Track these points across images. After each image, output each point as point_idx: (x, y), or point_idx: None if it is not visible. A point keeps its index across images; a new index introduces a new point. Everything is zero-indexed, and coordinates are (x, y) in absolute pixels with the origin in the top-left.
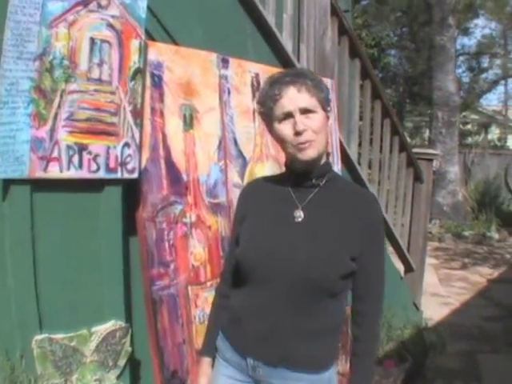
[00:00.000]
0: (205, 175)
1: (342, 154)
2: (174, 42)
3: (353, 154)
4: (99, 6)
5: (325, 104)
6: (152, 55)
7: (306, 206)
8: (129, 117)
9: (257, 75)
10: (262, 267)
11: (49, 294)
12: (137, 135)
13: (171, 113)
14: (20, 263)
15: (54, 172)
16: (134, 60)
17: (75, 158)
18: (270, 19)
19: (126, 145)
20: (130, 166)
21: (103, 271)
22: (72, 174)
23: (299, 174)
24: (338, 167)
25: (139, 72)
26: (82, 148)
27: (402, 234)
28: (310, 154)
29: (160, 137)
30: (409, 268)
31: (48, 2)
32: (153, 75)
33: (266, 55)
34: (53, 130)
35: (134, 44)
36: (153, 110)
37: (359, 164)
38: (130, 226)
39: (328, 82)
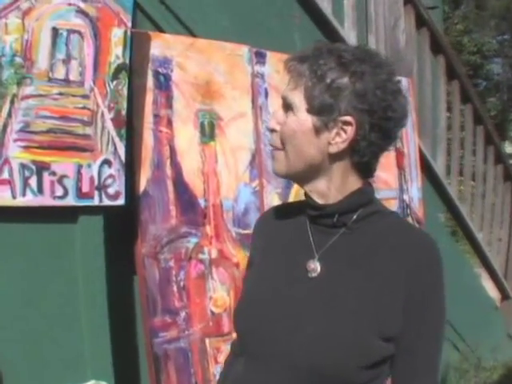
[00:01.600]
0: (231, 199)
1: (424, 168)
2: (191, 34)
3: (439, 167)
4: None
5: (323, 109)
6: (156, 49)
7: (325, 255)
8: (109, 126)
9: None
10: (255, 340)
11: (8, 350)
12: (121, 150)
13: (183, 121)
14: None
15: (3, 198)
16: (115, 54)
17: (33, 181)
18: (325, 6)
19: (106, 163)
20: (111, 190)
21: (82, 320)
22: (28, 200)
23: (313, 207)
24: (417, 185)
25: (124, 69)
26: (41, 168)
27: (498, 250)
28: (274, 167)
29: (167, 151)
30: (505, 295)
31: None
32: (157, 74)
33: None
34: (1, 146)
35: (116, 34)
36: (156, 117)
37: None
38: (125, 264)
39: (403, 80)
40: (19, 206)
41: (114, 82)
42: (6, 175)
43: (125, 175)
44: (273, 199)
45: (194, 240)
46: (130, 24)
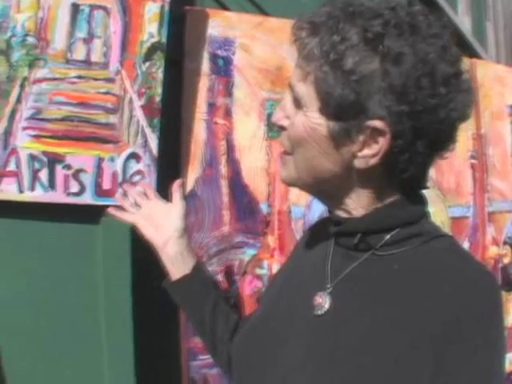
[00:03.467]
0: (302, 206)
1: None
2: (262, 13)
3: None
4: None
5: (342, 111)
6: (215, 29)
7: (340, 286)
8: (138, 114)
9: None
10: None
11: (18, 359)
12: (153, 143)
13: (245, 112)
14: None
15: (9, 192)
16: (148, 32)
17: (43, 174)
18: None
19: (133, 156)
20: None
21: (102, 334)
22: (37, 195)
23: (335, 221)
24: None
25: (159, 49)
26: (54, 160)
27: None
28: (281, 174)
29: (222, 147)
30: None
31: None
32: (215, 57)
33: None
34: (8, 134)
35: (150, 9)
36: (212, 107)
37: None
38: (155, 274)
39: None
40: (25, 201)
41: (147, 64)
42: (12, 167)
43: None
44: None
45: (250, 252)
46: None
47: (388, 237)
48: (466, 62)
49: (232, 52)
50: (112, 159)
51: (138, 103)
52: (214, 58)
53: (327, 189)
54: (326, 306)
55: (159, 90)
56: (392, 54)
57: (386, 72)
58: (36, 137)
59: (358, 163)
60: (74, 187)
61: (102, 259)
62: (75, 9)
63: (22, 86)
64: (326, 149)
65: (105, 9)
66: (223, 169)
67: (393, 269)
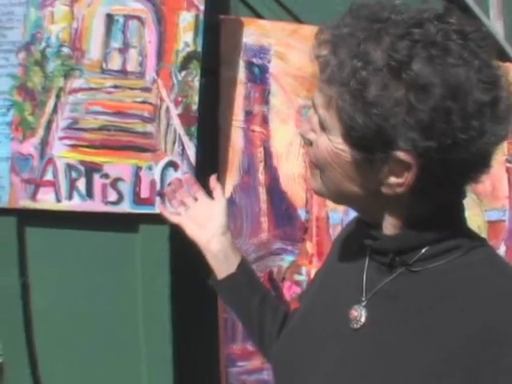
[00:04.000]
0: (340, 212)
1: None
2: (297, 20)
3: None
4: None
5: (364, 142)
6: (250, 38)
7: (375, 299)
8: (176, 123)
9: None
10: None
11: (56, 368)
12: (191, 151)
13: (282, 119)
14: None
15: (46, 201)
16: (184, 41)
17: (81, 183)
18: None
19: (171, 165)
20: None
21: (140, 341)
22: (75, 204)
23: (368, 234)
24: None
25: (195, 58)
26: (92, 169)
27: None
28: (312, 184)
29: (260, 154)
30: None
31: None
32: (250, 65)
33: None
34: (44, 144)
35: (185, 18)
36: (249, 114)
37: None
38: (194, 282)
39: None
40: (63, 210)
41: (183, 73)
42: (49, 176)
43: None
44: None
45: (289, 258)
46: (202, 7)
47: (421, 252)
48: (506, 76)
49: (267, 60)
50: (150, 168)
51: (174, 112)
52: (249, 66)
53: (356, 207)
54: (362, 319)
55: (196, 99)
56: (419, 84)
57: (411, 106)
58: (73, 146)
59: (385, 190)
60: (112, 196)
61: (141, 267)
62: (110, 19)
63: (58, 97)
64: (351, 174)
65: (139, 19)
66: (261, 176)
67: (427, 283)
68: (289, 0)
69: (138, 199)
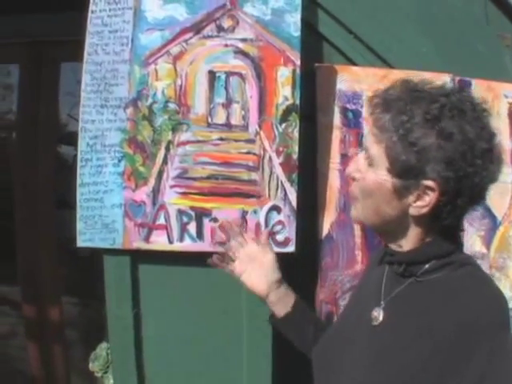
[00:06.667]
0: None
1: None
2: (386, 64)
3: None
4: (220, 28)
5: (404, 172)
6: (344, 84)
7: (390, 303)
8: (278, 171)
9: None
10: (321, 376)
11: None
12: (292, 195)
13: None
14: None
15: (159, 242)
16: (283, 95)
17: (192, 226)
18: None
19: (275, 209)
20: (280, 237)
21: (244, 366)
22: (187, 245)
23: (385, 252)
24: None
25: (294, 111)
26: (201, 213)
27: None
28: (352, 213)
29: None
30: None
31: (140, 34)
32: (345, 111)
33: None
34: (156, 192)
35: (283, 73)
36: (344, 157)
37: None
38: None
39: None
40: (175, 250)
41: (283, 125)
42: (161, 221)
43: (299, 221)
44: (474, 242)
45: None
46: (298, 62)
47: (427, 266)
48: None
49: (360, 105)
50: (255, 212)
51: (276, 161)
52: (344, 111)
53: (387, 228)
54: (380, 318)
55: (296, 148)
56: (445, 133)
57: (439, 146)
58: (183, 194)
59: (413, 211)
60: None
61: (246, 299)
62: (212, 76)
63: (167, 149)
64: (389, 199)
65: (240, 75)
66: None
67: (428, 292)
68: (379, 46)
69: None
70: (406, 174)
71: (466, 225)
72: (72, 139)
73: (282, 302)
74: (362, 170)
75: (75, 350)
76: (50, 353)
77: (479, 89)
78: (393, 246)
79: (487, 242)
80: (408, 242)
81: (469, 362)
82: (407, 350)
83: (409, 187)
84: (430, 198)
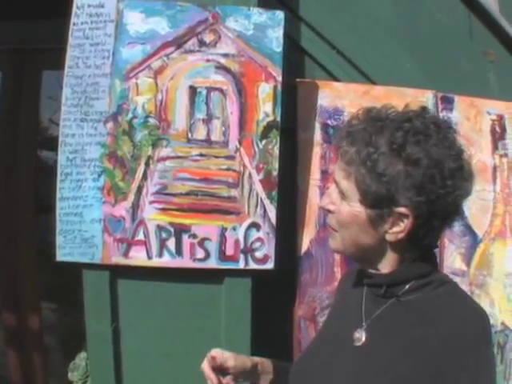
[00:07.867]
0: None
1: None
2: (369, 80)
3: None
4: (202, 43)
5: (377, 202)
6: (324, 100)
7: (372, 324)
8: (258, 188)
9: (500, 118)
10: None
11: None
12: (272, 213)
13: None
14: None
15: (138, 258)
16: (264, 111)
17: (171, 242)
18: None
19: (254, 226)
20: (259, 254)
21: None
22: (165, 261)
23: (367, 274)
24: None
25: (274, 127)
26: (181, 230)
27: None
28: (331, 244)
29: None
30: None
31: (121, 48)
32: (326, 127)
33: None
34: (135, 207)
35: (264, 89)
36: (324, 174)
37: None
38: (273, 328)
39: None
40: (154, 266)
41: (264, 142)
42: (140, 236)
43: (278, 237)
44: (454, 260)
45: None
46: (280, 78)
47: (407, 287)
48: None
49: (341, 121)
50: (234, 229)
51: (256, 178)
52: (325, 127)
53: (366, 255)
54: (363, 339)
55: (276, 165)
56: (412, 159)
57: (408, 173)
58: (163, 210)
59: (389, 237)
60: (200, 253)
61: (224, 315)
62: (193, 91)
63: (147, 164)
64: (365, 229)
65: (221, 91)
66: None
67: (409, 311)
68: (362, 62)
69: (223, 256)
70: (379, 203)
71: (446, 242)
72: (53, 144)
73: (265, 376)
74: (336, 203)
75: (54, 357)
76: (29, 359)
77: (462, 105)
78: (371, 270)
79: (467, 259)
80: (386, 265)
81: (455, 380)
82: (392, 370)
83: (383, 216)
84: (404, 224)
